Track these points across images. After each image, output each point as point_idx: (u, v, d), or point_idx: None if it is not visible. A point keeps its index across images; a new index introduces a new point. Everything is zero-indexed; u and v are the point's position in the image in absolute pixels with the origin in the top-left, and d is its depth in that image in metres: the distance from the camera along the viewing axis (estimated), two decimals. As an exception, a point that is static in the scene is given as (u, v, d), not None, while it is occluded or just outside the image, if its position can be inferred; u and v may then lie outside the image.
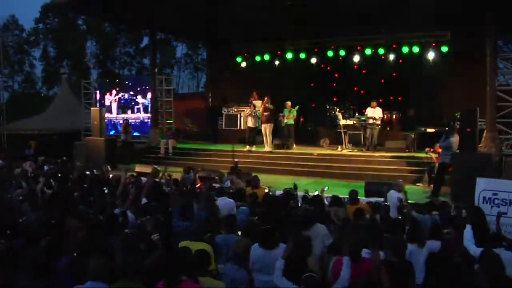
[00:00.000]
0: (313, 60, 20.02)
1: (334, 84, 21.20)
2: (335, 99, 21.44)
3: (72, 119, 25.02)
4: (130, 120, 22.88)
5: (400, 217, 8.01)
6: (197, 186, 10.33)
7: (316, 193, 9.65)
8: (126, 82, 24.94)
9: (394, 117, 19.01)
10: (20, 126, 26.47)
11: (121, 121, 23.13)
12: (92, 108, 21.01)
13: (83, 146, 20.14)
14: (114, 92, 23.85)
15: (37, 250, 5.47)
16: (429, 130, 17.22)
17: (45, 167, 15.19)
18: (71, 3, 19.97)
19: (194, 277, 4.79)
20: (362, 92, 20.23)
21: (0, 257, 5.17)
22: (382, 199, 9.97)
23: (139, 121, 23.37)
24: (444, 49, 17.38)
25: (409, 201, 9.32)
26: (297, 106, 18.35)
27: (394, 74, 19.61)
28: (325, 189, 9.75)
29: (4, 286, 4.88)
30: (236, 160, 15.63)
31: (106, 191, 9.91)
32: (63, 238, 6.05)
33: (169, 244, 5.91)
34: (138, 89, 23.60)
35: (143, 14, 19.75)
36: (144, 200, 8.12)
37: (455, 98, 17.25)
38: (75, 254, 5.48)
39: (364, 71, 20.07)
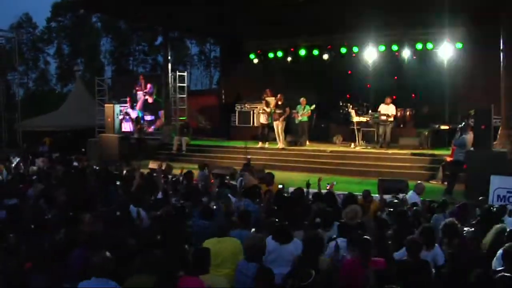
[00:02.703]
0: (326, 57, 20.00)
1: (348, 81, 21.14)
2: (348, 96, 21.37)
3: (86, 116, 25.18)
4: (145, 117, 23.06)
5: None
6: (211, 182, 10.37)
7: (328, 186, 9.66)
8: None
9: (407, 114, 18.92)
10: (35, 123, 26.67)
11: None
12: (105, 105, 21.14)
13: (97, 143, 20.29)
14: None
15: (51, 243, 5.54)
16: (443, 127, 17.13)
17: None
18: (83, 1, 20.09)
19: (194, 275, 4.82)
20: (375, 89, 20.14)
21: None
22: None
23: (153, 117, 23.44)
24: (458, 45, 17.26)
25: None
26: (313, 105, 18.34)
27: (407, 70, 19.55)
28: (334, 184, 9.76)
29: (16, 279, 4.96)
30: (249, 157, 15.64)
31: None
32: (77, 232, 6.12)
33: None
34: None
35: (155, 12, 19.83)
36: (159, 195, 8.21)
37: (469, 95, 17.14)
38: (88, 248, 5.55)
39: (377, 68, 20.01)
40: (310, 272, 4.66)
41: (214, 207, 7.78)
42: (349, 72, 20.95)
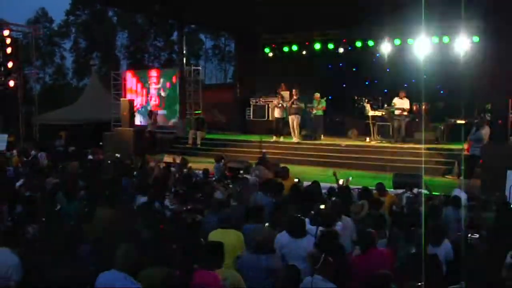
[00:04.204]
0: (341, 51, 19.94)
1: (363, 75, 21.06)
2: (363, 90, 21.32)
3: (102, 110, 25.34)
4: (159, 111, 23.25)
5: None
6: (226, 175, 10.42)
7: (341, 181, 9.64)
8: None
9: (423, 108, 18.79)
10: (51, 117, 26.86)
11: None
12: (121, 99, 21.26)
13: (113, 137, 20.40)
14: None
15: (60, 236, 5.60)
16: (459, 121, 16.98)
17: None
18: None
19: (208, 268, 4.84)
20: (390, 83, 20.03)
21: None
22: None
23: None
24: (475, 39, 17.09)
25: (434, 193, 9.25)
26: (325, 98, 18.37)
27: (423, 64, 19.41)
28: (349, 179, 9.72)
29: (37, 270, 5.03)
30: (264, 151, 15.64)
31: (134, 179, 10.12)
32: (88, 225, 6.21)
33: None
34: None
35: (171, 6, 19.87)
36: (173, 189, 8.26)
37: (486, 89, 16.95)
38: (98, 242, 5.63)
39: (393, 62, 19.88)
40: (319, 255, 4.70)
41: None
42: (365, 66, 20.86)
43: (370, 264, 5.14)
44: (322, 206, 7.03)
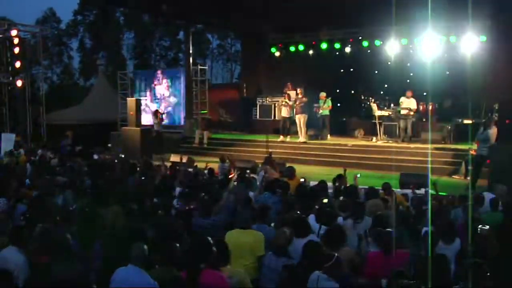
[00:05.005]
0: (348, 50, 19.93)
1: (369, 75, 21.02)
2: (370, 89, 21.27)
3: (109, 110, 25.40)
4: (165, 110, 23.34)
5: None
6: (230, 176, 10.40)
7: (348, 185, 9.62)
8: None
9: (430, 108, 18.74)
10: (59, 117, 26.93)
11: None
12: (128, 99, 21.29)
13: (119, 136, 20.45)
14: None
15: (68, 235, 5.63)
16: (466, 121, 16.92)
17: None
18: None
19: (215, 267, 4.85)
20: (397, 82, 19.98)
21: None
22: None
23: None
24: (482, 38, 17.02)
25: (440, 193, 9.21)
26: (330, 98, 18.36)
27: (429, 64, 19.33)
28: (357, 177, 9.71)
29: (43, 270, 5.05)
30: (270, 150, 15.64)
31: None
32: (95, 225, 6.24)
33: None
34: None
35: (177, 6, 19.90)
36: (178, 190, 8.27)
37: (494, 88, 16.89)
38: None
39: (400, 61, 19.83)
40: (332, 254, 4.71)
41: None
42: (371, 65, 20.83)
43: (392, 264, 5.13)
44: (325, 201, 7.04)
